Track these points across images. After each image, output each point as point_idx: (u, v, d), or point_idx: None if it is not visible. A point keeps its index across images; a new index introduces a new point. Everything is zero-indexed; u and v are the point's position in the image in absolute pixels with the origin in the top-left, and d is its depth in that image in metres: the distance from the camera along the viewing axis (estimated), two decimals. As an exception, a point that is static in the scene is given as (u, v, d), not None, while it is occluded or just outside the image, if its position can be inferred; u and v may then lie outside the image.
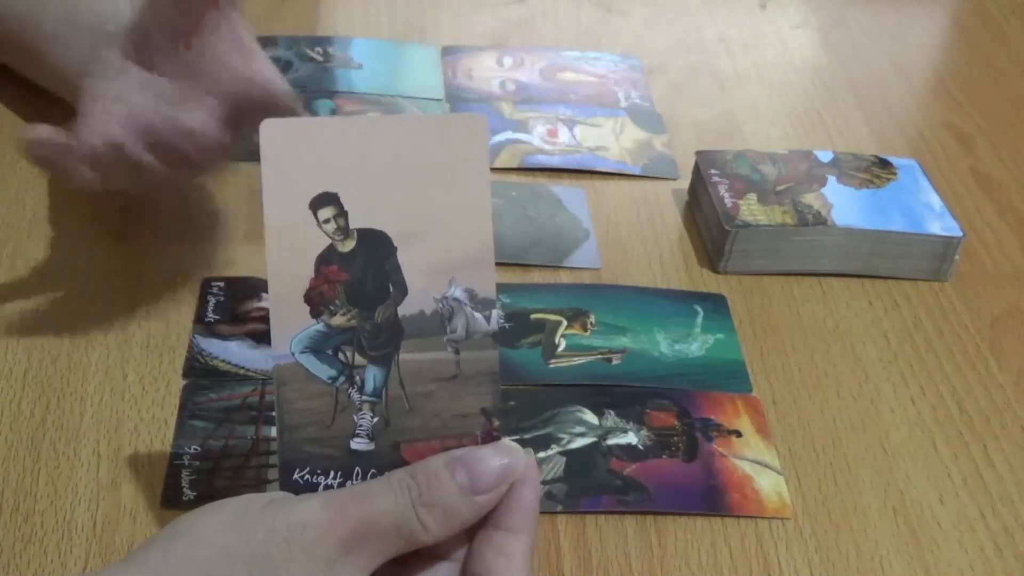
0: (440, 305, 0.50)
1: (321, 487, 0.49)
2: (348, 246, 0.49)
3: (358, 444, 0.50)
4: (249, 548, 0.44)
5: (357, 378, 0.50)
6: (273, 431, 0.60)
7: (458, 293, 0.50)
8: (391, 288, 0.50)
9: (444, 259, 0.49)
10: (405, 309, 0.50)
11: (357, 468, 0.50)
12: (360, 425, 0.50)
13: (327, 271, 0.49)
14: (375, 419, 0.50)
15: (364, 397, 0.50)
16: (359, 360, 0.50)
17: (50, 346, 0.64)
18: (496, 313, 0.50)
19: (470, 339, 0.50)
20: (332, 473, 0.50)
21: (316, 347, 0.49)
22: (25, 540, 0.55)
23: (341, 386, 0.50)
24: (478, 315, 0.50)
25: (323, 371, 0.50)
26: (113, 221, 0.74)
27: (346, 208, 0.49)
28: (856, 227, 0.74)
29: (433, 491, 0.46)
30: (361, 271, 0.49)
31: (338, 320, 0.49)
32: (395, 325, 0.50)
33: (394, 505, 0.46)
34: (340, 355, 0.50)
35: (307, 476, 0.50)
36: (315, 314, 0.49)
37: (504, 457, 0.48)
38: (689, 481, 0.61)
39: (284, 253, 0.49)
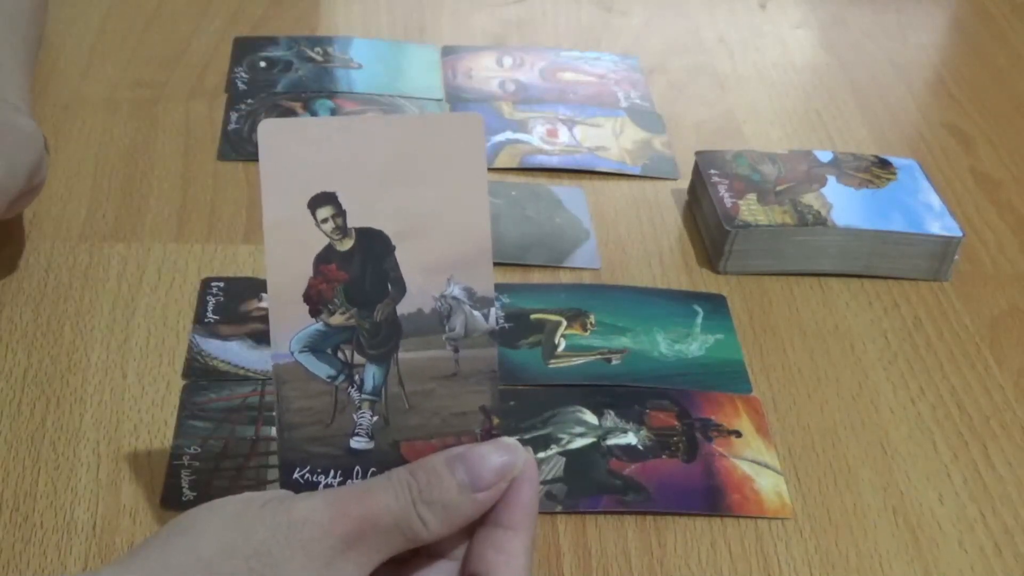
0: (439, 303, 0.50)
1: (321, 486, 0.49)
2: (346, 245, 0.49)
3: (358, 443, 0.50)
4: (251, 545, 0.44)
5: (356, 377, 0.50)
6: (273, 431, 0.60)
7: (456, 291, 0.50)
8: (389, 287, 0.50)
9: (442, 257, 0.50)
10: (404, 308, 0.50)
11: (357, 467, 0.50)
12: (360, 424, 0.50)
13: (326, 270, 0.49)
14: (374, 418, 0.50)
15: (363, 396, 0.50)
16: (358, 359, 0.50)
17: (50, 346, 0.64)
18: (495, 311, 0.50)
19: (469, 337, 0.50)
20: (332, 472, 0.50)
21: (315, 346, 0.50)
22: (25, 540, 0.55)
23: (340, 385, 0.50)
24: (477, 313, 0.50)
25: (322, 370, 0.50)
26: (113, 221, 0.74)
27: (344, 207, 0.49)
28: (856, 227, 0.74)
29: (433, 489, 0.46)
30: (359, 270, 0.49)
31: (337, 319, 0.50)
32: (394, 324, 0.50)
33: (395, 502, 0.46)
34: (339, 354, 0.50)
35: (307, 475, 0.50)
36: (314, 313, 0.49)
37: (504, 454, 0.48)
38: (689, 481, 0.61)
39: (283, 252, 0.49)
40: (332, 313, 0.50)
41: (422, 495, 0.46)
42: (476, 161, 0.50)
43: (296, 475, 0.50)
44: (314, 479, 0.50)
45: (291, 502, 0.45)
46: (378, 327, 0.50)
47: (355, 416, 0.50)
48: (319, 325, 0.49)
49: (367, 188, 0.49)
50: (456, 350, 0.50)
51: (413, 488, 0.46)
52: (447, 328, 0.50)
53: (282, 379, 0.49)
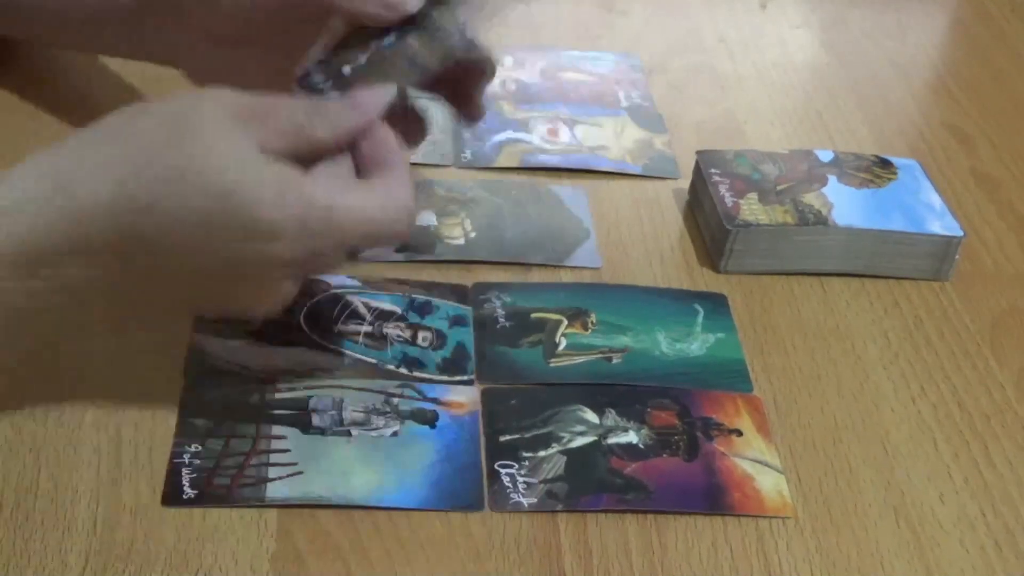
0: None
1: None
2: None
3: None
4: (171, 109, 0.54)
5: None
6: (273, 430, 0.60)
7: None
8: None
9: None
10: None
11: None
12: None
13: None
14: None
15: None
16: None
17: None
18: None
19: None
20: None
21: None
22: (25, 539, 0.55)
23: None
24: None
25: None
26: (113, 220, 0.74)
27: None
28: (857, 227, 0.74)
29: (320, 106, 0.57)
30: None
31: None
32: None
33: (288, 107, 0.56)
34: None
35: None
36: None
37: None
38: (690, 480, 0.61)
39: None
40: None
41: (310, 109, 0.57)
42: None
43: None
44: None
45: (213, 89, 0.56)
46: None
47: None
48: None
49: None
50: None
51: (304, 105, 0.57)
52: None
53: None
